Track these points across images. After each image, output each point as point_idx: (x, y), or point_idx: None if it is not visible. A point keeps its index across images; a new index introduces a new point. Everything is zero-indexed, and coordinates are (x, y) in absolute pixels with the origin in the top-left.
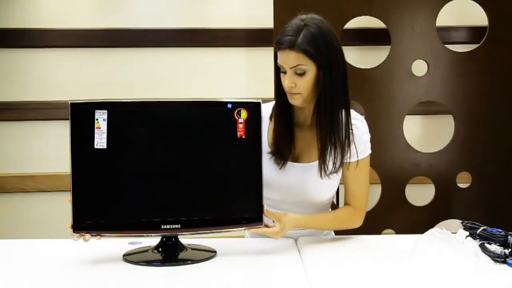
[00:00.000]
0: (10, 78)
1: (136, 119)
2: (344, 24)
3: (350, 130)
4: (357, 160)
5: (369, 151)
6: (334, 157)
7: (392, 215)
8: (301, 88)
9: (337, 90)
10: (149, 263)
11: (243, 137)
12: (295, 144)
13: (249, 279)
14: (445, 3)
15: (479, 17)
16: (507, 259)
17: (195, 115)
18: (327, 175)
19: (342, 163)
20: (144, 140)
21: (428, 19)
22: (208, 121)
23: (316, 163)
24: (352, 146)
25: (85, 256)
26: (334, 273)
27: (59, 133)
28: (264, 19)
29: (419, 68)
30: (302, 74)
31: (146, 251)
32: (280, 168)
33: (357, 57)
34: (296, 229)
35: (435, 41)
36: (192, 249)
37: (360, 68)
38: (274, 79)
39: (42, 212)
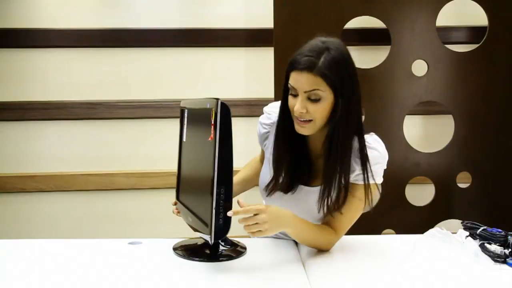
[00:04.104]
0: (10, 78)
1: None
2: (344, 24)
3: (366, 154)
4: (357, 184)
5: (372, 181)
6: (338, 191)
7: (392, 215)
8: (313, 114)
9: (352, 119)
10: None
11: (211, 140)
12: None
13: (248, 279)
14: (445, 3)
15: (479, 17)
16: (507, 259)
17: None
18: (328, 208)
19: (346, 197)
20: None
21: (428, 19)
22: (197, 121)
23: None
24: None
25: (85, 256)
26: (334, 273)
27: (59, 133)
28: (264, 19)
29: (419, 68)
30: (316, 100)
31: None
32: (292, 193)
33: (357, 57)
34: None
35: (435, 41)
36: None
37: (360, 68)
38: (281, 101)
39: (42, 212)
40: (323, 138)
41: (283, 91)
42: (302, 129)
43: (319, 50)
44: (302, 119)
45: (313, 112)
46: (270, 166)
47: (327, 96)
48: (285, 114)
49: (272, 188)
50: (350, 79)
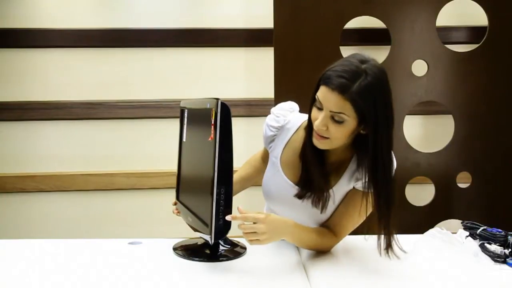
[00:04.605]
0: (10, 78)
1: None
2: (344, 24)
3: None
4: (362, 191)
5: None
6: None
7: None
8: (332, 134)
9: (385, 147)
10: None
11: (211, 140)
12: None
13: (248, 279)
14: (445, 3)
15: (479, 17)
16: (507, 259)
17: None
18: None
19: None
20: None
21: (428, 19)
22: (197, 121)
23: (331, 191)
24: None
25: (85, 256)
26: (334, 273)
27: (59, 133)
28: (264, 19)
29: (419, 68)
30: (339, 122)
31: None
32: (321, 213)
33: None
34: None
35: (435, 41)
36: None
37: None
38: (309, 110)
39: (42, 212)
40: (337, 150)
41: (311, 100)
42: (318, 143)
43: (356, 73)
44: (320, 134)
45: (332, 132)
46: (276, 169)
47: (351, 122)
48: (311, 124)
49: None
50: (384, 108)
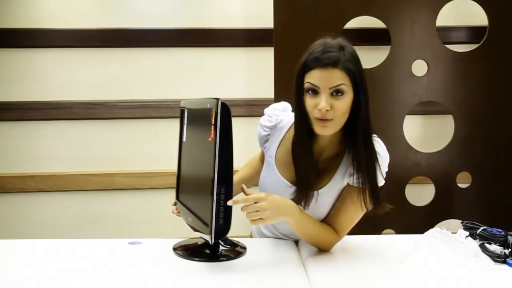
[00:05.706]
0: (10, 78)
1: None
2: (344, 24)
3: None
4: (357, 186)
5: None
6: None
7: (392, 215)
8: (337, 111)
9: (368, 117)
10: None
11: (211, 140)
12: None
13: (248, 279)
14: (445, 3)
15: (479, 17)
16: (507, 259)
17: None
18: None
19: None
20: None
21: (428, 19)
22: (197, 121)
23: (326, 188)
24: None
25: (85, 256)
26: (334, 273)
27: (59, 133)
28: (264, 19)
29: (419, 68)
30: (340, 96)
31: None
32: (305, 208)
33: None
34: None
35: (435, 41)
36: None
37: None
38: (297, 105)
39: (42, 212)
40: (330, 146)
41: (296, 94)
42: (324, 129)
43: (337, 46)
44: (323, 118)
45: (337, 108)
46: (271, 168)
47: (349, 91)
48: (303, 118)
49: (306, 199)
50: (363, 75)
